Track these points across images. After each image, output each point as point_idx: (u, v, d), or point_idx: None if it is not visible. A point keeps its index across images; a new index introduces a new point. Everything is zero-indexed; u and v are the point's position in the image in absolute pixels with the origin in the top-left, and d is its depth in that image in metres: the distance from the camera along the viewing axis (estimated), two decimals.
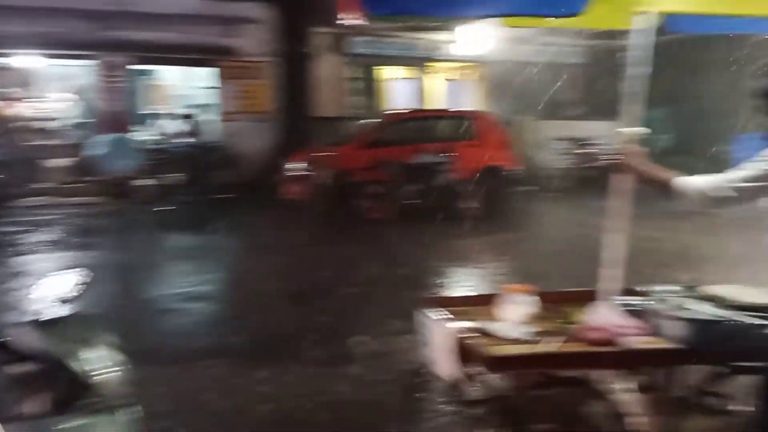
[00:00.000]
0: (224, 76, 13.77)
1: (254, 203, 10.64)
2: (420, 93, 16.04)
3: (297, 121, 13.44)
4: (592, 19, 3.17)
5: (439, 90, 16.40)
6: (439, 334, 2.72)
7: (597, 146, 12.18)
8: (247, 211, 10.37)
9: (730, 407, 2.89)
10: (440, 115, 12.58)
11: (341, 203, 9.85)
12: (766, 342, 2.39)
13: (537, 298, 2.79)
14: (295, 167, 10.47)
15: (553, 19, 2.56)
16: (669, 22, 3.12)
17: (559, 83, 16.15)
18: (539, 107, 14.85)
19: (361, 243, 8.41)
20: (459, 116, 11.88)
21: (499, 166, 10.69)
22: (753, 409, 2.44)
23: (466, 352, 2.53)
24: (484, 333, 2.65)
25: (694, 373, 2.86)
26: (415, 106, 15.44)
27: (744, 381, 2.61)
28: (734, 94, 11.88)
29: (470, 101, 16.42)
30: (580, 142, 12.81)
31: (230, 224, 9.62)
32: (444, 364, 2.64)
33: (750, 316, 2.53)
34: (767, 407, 2.38)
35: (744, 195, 2.31)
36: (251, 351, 4.73)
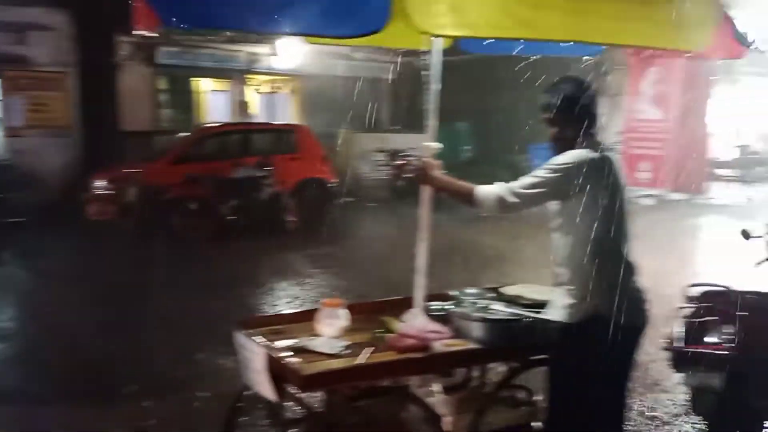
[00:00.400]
0: (8, 88, 12.36)
1: (54, 226, 9.68)
2: (236, 105, 15.71)
3: (102, 135, 12.45)
4: (392, 38, 3.30)
5: (255, 103, 16.19)
6: (257, 355, 2.65)
7: (411, 158, 12.78)
8: (45, 236, 9.41)
9: (534, 398, 3.15)
10: (258, 128, 12.42)
11: (154, 222, 9.29)
12: (551, 336, 2.63)
13: (347, 311, 2.82)
14: (102, 185, 9.73)
15: (351, 38, 2.61)
16: (462, 43, 3.34)
17: (374, 97, 16.71)
18: (356, 120, 15.25)
19: (176, 263, 7.99)
20: (277, 129, 11.83)
21: (319, 179, 10.80)
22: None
23: (282, 372, 2.49)
24: (303, 350, 2.63)
25: (498, 369, 3.09)
26: (230, 119, 15.10)
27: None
28: (529, 108, 13.10)
29: (287, 114, 16.42)
30: (396, 154, 13.36)
31: (23, 251, 8.63)
32: (263, 385, 2.57)
33: (538, 312, 2.78)
34: (554, 394, 2.63)
35: (530, 200, 2.54)
36: (50, 391, 4.28)
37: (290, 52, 14.45)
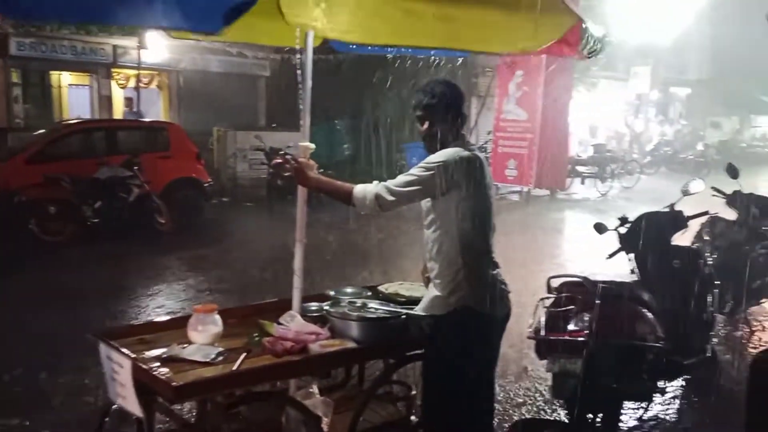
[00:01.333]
0: None
1: None
2: (101, 101, 14.80)
3: None
4: (264, 35, 3.25)
5: (121, 99, 15.34)
6: (123, 367, 2.50)
7: (288, 156, 12.64)
8: None
9: (411, 392, 3.23)
10: (124, 125, 11.76)
11: (8, 226, 8.53)
12: (424, 330, 2.71)
13: (219, 317, 2.74)
14: None
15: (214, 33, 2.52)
16: (333, 43, 3.34)
17: (251, 94, 16.38)
18: (232, 118, 14.86)
19: (35, 271, 7.41)
20: (146, 127, 11.25)
21: (192, 178, 10.40)
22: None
23: (152, 384, 2.37)
24: (174, 360, 2.53)
25: (375, 366, 3.14)
26: (95, 115, 14.21)
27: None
28: (405, 107, 13.39)
29: (157, 111, 15.71)
30: (273, 152, 13.17)
31: None
32: (129, 399, 2.44)
33: (411, 310, 2.85)
34: (428, 387, 2.72)
35: (406, 198, 2.61)
36: None
37: (159, 45, 13.80)
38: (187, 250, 8.47)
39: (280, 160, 11.49)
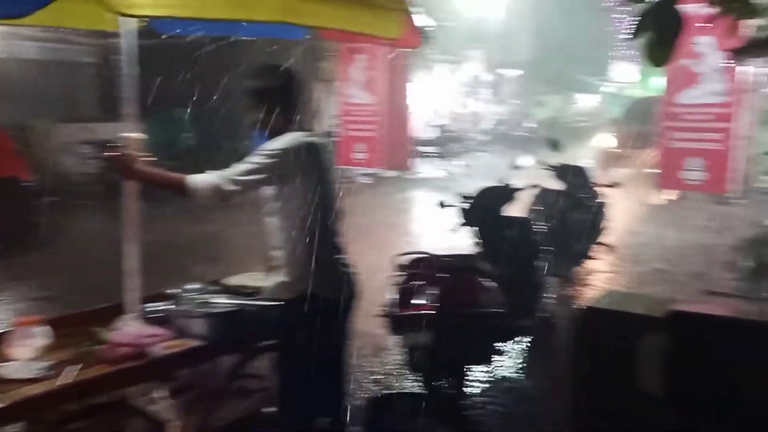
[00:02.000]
0: None
1: None
2: None
3: None
4: (78, 18, 2.98)
5: None
6: None
7: (120, 148, 11.85)
8: None
9: (265, 384, 3.16)
10: None
11: None
12: (272, 320, 2.66)
13: (46, 328, 2.51)
14: None
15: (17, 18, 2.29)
16: (155, 25, 3.14)
17: (76, 84, 15.12)
18: (55, 110, 13.65)
19: None
20: None
21: (9, 178, 9.40)
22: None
23: None
24: None
25: (226, 362, 3.03)
26: None
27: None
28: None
29: None
30: (105, 145, 12.29)
31: None
32: None
33: (258, 300, 2.79)
34: (280, 375, 2.69)
35: (247, 187, 2.52)
36: None
37: None
38: (8, 258, 7.67)
39: (114, 153, 10.72)
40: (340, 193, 2.76)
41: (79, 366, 2.35)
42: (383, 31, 2.94)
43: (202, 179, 2.51)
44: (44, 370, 2.32)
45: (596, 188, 6.46)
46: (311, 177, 2.55)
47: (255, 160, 2.52)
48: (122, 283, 2.79)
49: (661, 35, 2.31)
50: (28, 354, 2.41)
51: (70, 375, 2.29)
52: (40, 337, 2.47)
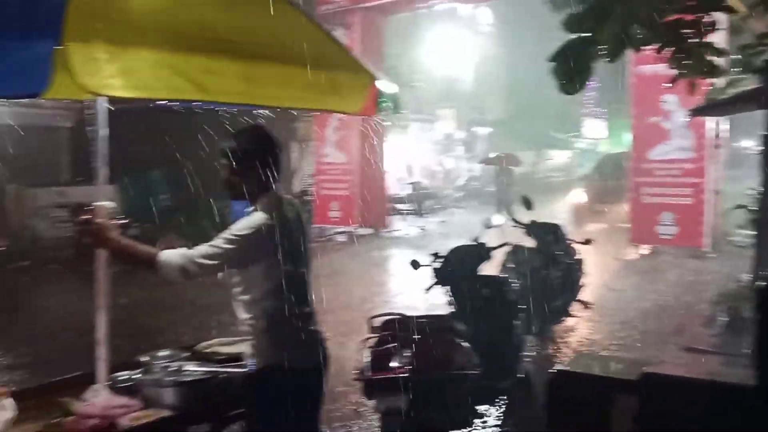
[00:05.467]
0: None
1: None
2: None
3: None
4: (56, 89, 3.02)
5: None
6: None
7: (92, 212, 11.76)
8: None
9: None
10: None
11: None
12: (245, 388, 2.63)
13: (11, 400, 2.44)
14: None
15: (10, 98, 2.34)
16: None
17: (50, 147, 15.08)
18: (29, 174, 13.57)
19: None
20: None
21: None
22: None
23: None
24: None
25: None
26: None
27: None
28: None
29: None
30: (79, 208, 12.19)
31: None
32: None
33: (228, 367, 2.76)
34: None
35: (210, 270, 2.52)
36: None
37: None
38: None
39: (87, 216, 10.64)
40: (314, 255, 2.77)
41: None
42: (344, 107, 3.02)
43: (169, 259, 2.50)
44: None
45: (571, 245, 6.53)
46: (274, 259, 2.52)
47: (220, 244, 2.51)
48: (92, 351, 2.74)
49: (571, 66, 2.44)
50: None
51: None
52: (4, 409, 2.40)
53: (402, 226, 16.77)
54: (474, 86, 29.63)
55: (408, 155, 23.64)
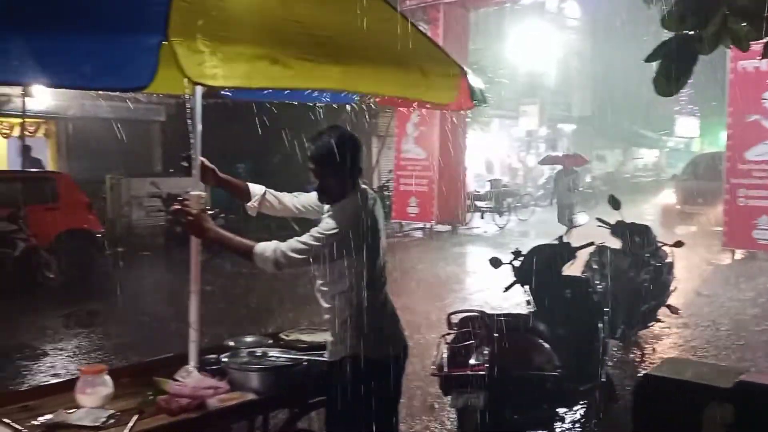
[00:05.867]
0: None
1: None
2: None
3: None
4: (157, 83, 3.18)
5: (1, 149, 14.44)
6: None
7: (183, 202, 12.29)
8: None
9: None
10: (9, 176, 11.04)
11: None
12: (326, 377, 2.70)
13: (109, 377, 2.60)
14: None
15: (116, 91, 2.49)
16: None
17: (145, 140, 15.87)
18: (126, 165, 14.33)
19: None
20: (29, 177, 10.63)
21: (82, 229, 9.88)
22: None
23: None
24: (61, 426, 2.36)
25: (280, 417, 3.06)
26: None
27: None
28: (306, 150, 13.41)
29: (44, 160, 14.88)
30: (171, 198, 12.76)
31: None
32: None
33: (310, 356, 2.83)
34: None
35: (299, 264, 2.61)
36: None
37: (46, 93, 13.17)
38: (78, 306, 7.98)
39: (178, 207, 11.14)
40: (392, 250, 2.80)
41: (136, 417, 2.42)
42: (436, 98, 3.04)
43: (263, 251, 2.61)
44: (107, 418, 2.39)
45: (660, 247, 6.26)
46: (359, 253, 2.63)
47: (309, 241, 2.60)
48: (186, 333, 2.87)
49: (672, 67, 2.32)
50: (94, 402, 2.50)
51: (129, 425, 2.36)
52: (104, 385, 2.56)
53: (480, 224, 16.60)
54: (559, 82, 28.92)
55: (489, 152, 23.34)
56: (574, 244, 4.66)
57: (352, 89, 2.76)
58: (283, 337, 3.25)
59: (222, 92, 3.36)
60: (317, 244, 2.60)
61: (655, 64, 2.66)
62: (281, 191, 3.24)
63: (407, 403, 4.47)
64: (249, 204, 3.10)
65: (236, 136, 13.16)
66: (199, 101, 2.87)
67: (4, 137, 14.25)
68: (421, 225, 14.96)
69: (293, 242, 2.62)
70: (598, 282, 5.03)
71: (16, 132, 14.02)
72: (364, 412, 2.59)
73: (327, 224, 2.64)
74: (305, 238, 2.62)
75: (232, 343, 3.16)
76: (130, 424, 2.37)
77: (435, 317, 4.14)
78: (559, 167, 16.92)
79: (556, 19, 27.38)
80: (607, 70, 30.50)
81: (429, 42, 2.98)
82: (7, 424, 2.30)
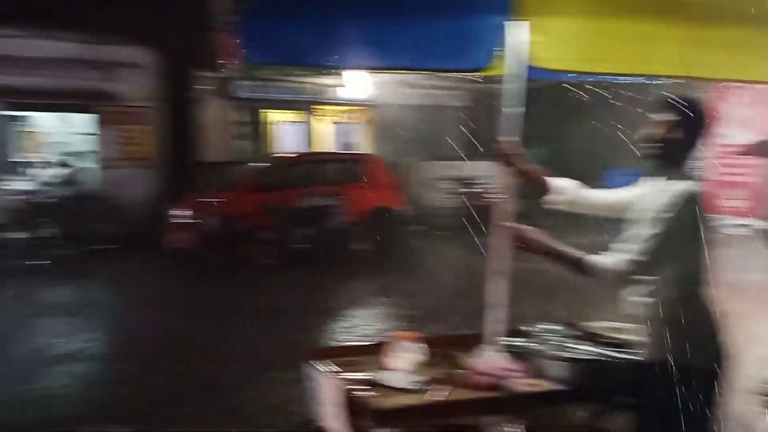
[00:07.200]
0: (104, 122, 13.15)
1: (138, 254, 10.08)
2: (308, 136, 16.04)
3: (182, 166, 13.00)
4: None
5: (326, 133, 16.48)
6: (327, 387, 2.61)
7: (481, 185, 12.62)
8: (130, 263, 9.80)
9: None
10: (328, 157, 12.59)
11: (229, 251, 9.52)
12: (637, 377, 2.48)
13: (424, 345, 2.74)
14: (180, 215, 10.07)
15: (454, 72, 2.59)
16: (531, 70, 3.23)
17: (444, 125, 16.67)
18: (426, 149, 15.23)
19: (249, 291, 8.14)
20: (347, 159, 11.97)
21: (388, 207, 10.79)
22: None
23: (354, 406, 2.43)
24: (373, 384, 2.57)
25: (579, 412, 2.93)
26: (303, 149, 15.42)
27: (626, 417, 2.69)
28: (604, 133, 12.73)
29: (358, 144, 16.60)
30: (465, 181, 13.23)
31: (110, 277, 9.03)
32: (333, 418, 2.53)
33: (622, 351, 2.63)
34: None
35: (642, 266, 2.36)
36: (130, 412, 4.40)
37: (361, 83, 14.65)
38: (384, 277, 8.75)
39: (473, 190, 11.51)
40: (712, 247, 2.45)
41: (450, 387, 2.51)
42: None
43: (598, 261, 2.42)
44: (417, 383, 2.53)
45: None
46: (687, 232, 2.33)
47: (648, 230, 2.34)
48: (481, 313, 2.90)
49: None
50: (406, 366, 2.66)
51: (441, 394, 2.45)
52: (416, 352, 2.71)
53: None
54: None
55: None
56: None
57: (692, 74, 2.46)
58: (585, 328, 3.08)
59: (534, 76, 3.30)
60: (659, 230, 2.31)
61: None
62: (579, 174, 3.01)
63: (722, 420, 3.96)
64: (549, 197, 2.86)
65: (532, 119, 13.04)
66: (516, 86, 2.81)
67: (330, 123, 16.27)
68: (742, 221, 13.18)
69: (629, 238, 2.39)
70: None
71: (339, 119, 15.91)
72: (678, 423, 2.32)
73: (660, 202, 2.35)
74: (641, 230, 2.37)
75: (530, 329, 3.10)
76: (446, 391, 2.46)
77: (761, 328, 3.56)
78: None
79: None
80: None
81: None
82: (330, 376, 2.54)
